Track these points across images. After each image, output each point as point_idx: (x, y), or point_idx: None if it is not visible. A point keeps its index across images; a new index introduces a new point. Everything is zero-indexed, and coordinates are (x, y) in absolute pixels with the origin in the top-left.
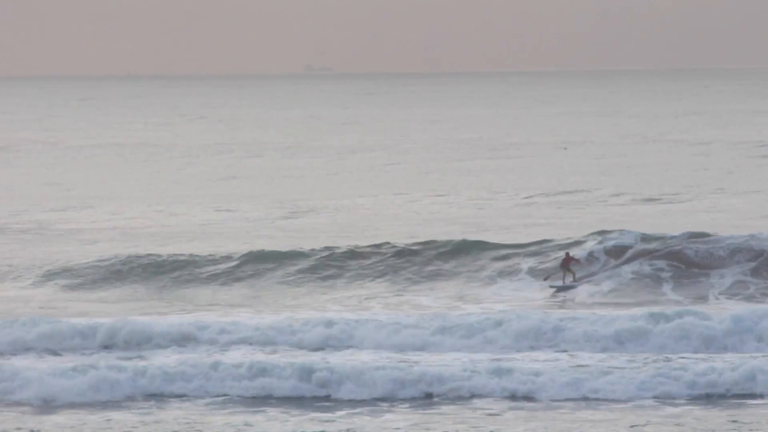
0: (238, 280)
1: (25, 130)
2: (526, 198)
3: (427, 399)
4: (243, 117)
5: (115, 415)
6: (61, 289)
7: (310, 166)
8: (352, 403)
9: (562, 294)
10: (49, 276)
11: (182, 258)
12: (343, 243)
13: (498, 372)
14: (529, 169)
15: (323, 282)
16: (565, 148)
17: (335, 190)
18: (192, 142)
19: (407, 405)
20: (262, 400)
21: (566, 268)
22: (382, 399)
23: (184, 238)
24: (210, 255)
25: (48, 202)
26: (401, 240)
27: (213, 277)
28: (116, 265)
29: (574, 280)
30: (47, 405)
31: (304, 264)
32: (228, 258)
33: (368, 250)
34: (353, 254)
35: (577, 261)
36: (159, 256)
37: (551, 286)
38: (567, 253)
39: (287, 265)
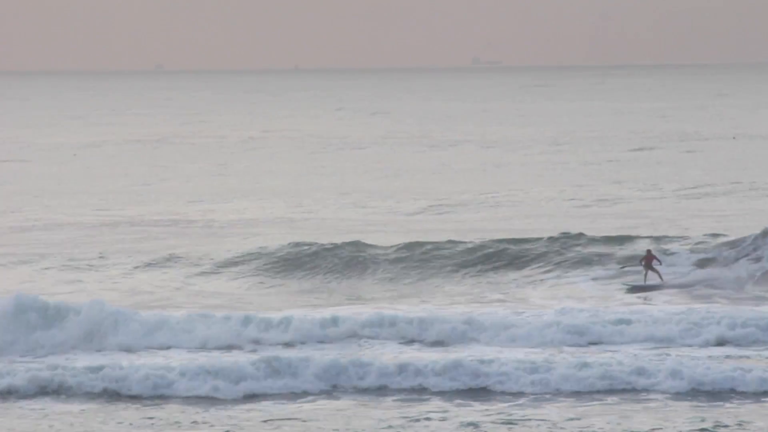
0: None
1: (193, 123)
2: (692, 189)
3: None
4: (411, 110)
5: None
6: (240, 281)
7: (480, 159)
8: None
9: (641, 293)
10: (223, 267)
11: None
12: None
13: None
14: (707, 159)
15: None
16: (734, 138)
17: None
18: (364, 134)
19: None
20: None
21: (649, 267)
22: None
23: (354, 230)
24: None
25: (227, 194)
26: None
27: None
28: (303, 256)
29: (662, 280)
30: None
31: (475, 255)
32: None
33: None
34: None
35: (659, 261)
36: (332, 245)
37: (625, 284)
38: (648, 251)
39: (456, 256)
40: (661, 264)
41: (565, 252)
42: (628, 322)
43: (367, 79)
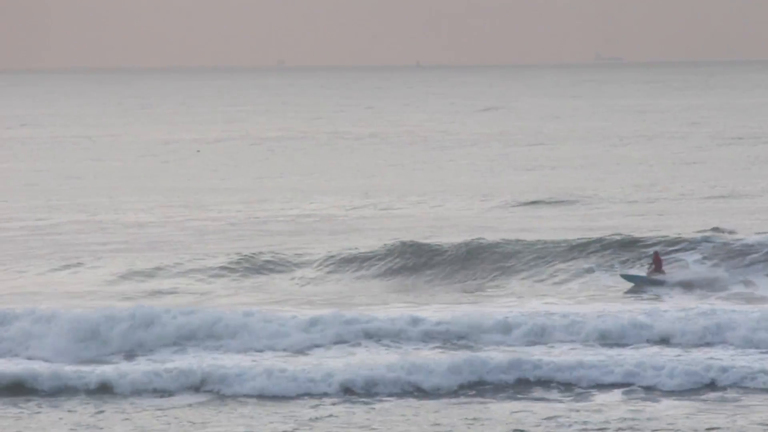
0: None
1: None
2: None
3: None
4: (525, 107)
5: None
6: (343, 279)
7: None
8: None
9: (646, 288)
10: (332, 265)
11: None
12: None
13: None
14: None
15: None
16: None
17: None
18: (475, 131)
19: None
20: None
21: (658, 264)
22: None
23: (457, 230)
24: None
25: (347, 191)
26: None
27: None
28: (404, 255)
29: (656, 275)
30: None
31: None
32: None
33: None
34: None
35: (661, 262)
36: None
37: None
38: (656, 252)
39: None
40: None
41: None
42: None
43: (485, 75)
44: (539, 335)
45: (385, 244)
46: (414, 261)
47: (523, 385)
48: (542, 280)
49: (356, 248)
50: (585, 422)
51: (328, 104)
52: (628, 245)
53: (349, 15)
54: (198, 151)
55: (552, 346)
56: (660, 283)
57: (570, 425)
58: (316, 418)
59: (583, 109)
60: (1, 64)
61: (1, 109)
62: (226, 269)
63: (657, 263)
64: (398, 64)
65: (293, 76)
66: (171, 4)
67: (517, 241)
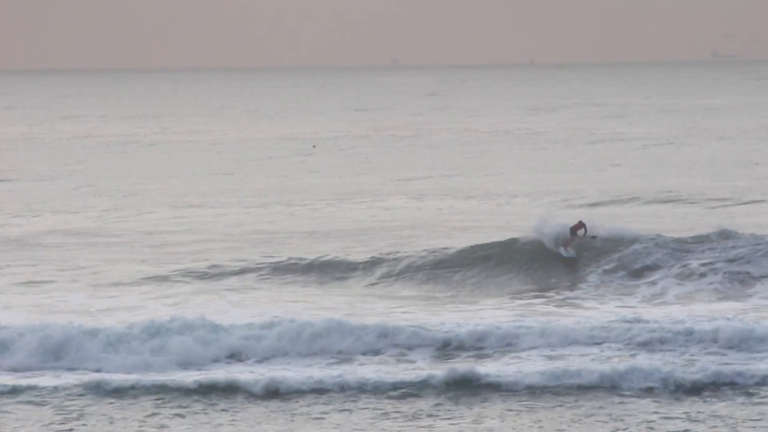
0: None
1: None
2: None
3: None
4: (633, 105)
5: None
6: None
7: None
8: None
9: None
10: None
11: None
12: None
13: None
14: None
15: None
16: None
17: None
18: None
19: None
20: None
21: (574, 234)
22: None
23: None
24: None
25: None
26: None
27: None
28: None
29: (567, 244)
30: None
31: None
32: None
33: None
34: None
35: (585, 231)
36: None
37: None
38: (580, 221)
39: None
40: (585, 234)
41: None
42: None
43: (597, 73)
44: None
45: None
46: None
47: None
48: None
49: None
50: None
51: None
52: None
53: (463, 13)
54: (314, 146)
55: None
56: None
57: None
58: None
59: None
60: (110, 63)
61: (131, 107)
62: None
63: (575, 229)
64: (511, 62)
65: (407, 74)
66: (287, 4)
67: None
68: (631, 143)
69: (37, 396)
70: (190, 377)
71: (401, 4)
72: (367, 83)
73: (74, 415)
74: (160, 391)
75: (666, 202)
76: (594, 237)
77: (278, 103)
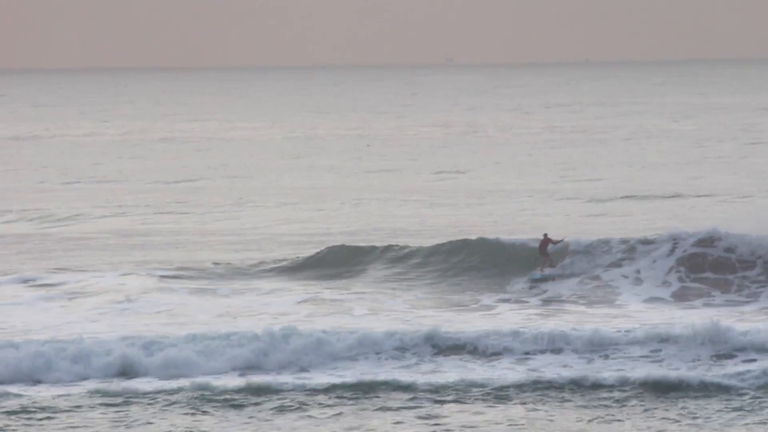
0: None
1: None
2: None
3: None
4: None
5: None
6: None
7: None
8: None
9: (539, 287)
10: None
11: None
12: None
13: None
14: None
15: None
16: None
17: None
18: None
19: None
20: None
21: (543, 253)
22: None
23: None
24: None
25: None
26: None
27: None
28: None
29: (549, 265)
30: None
31: None
32: None
33: None
34: None
35: (554, 242)
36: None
37: (531, 279)
38: (545, 235)
39: None
40: (559, 242)
41: None
42: None
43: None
44: None
45: None
46: None
47: None
48: None
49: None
50: None
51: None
52: None
53: (517, 11)
54: (368, 145)
55: None
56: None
57: None
58: None
59: None
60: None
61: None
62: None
63: (544, 246)
64: (567, 60)
65: (462, 73)
66: (342, 3)
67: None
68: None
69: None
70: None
71: (456, 3)
72: (419, 81)
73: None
74: None
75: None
76: (561, 240)
77: (338, 101)
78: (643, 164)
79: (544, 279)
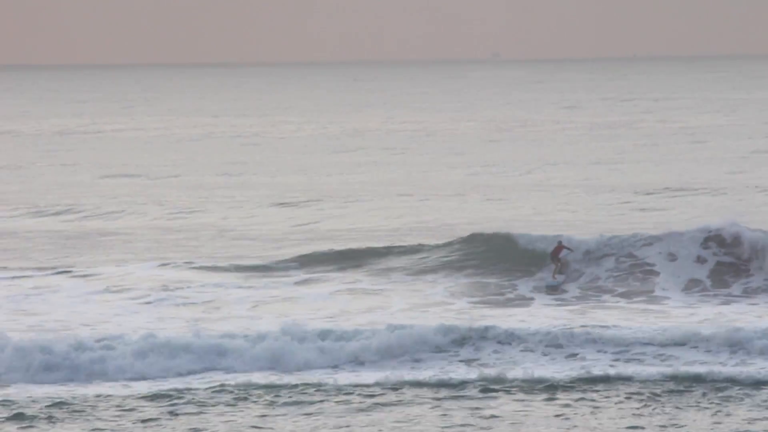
0: None
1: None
2: None
3: None
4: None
5: None
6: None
7: None
8: None
9: (551, 293)
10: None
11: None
12: None
13: None
14: None
15: None
16: None
17: None
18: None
19: None
20: None
21: (556, 259)
22: None
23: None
24: None
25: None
26: None
27: None
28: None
29: (560, 272)
30: None
31: None
32: None
33: None
34: None
35: (570, 250)
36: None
37: (547, 286)
38: (559, 242)
39: None
40: (572, 251)
41: None
42: None
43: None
44: None
45: None
46: None
47: None
48: None
49: None
50: None
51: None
52: None
53: (565, 5)
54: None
55: None
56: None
57: None
58: None
59: None
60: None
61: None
62: None
63: (556, 253)
64: (615, 55)
65: (509, 68)
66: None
67: None
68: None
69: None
70: None
71: None
72: (461, 77)
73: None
74: None
75: None
76: (571, 251)
77: (384, 97)
78: (694, 159)
79: (555, 286)
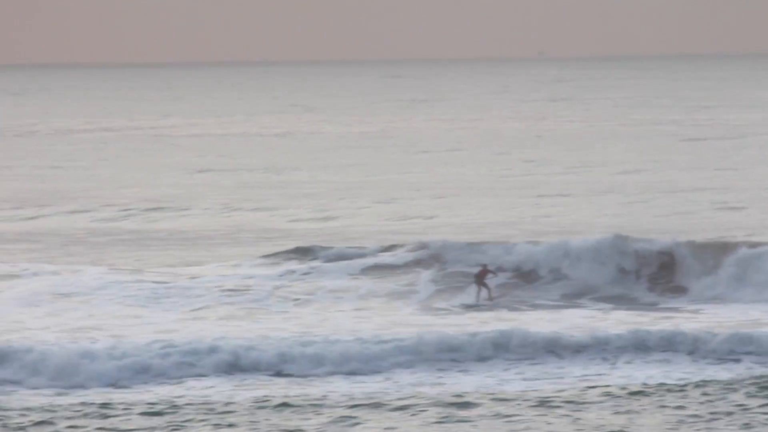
0: None
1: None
2: None
3: None
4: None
5: None
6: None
7: None
8: None
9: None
10: None
11: None
12: None
13: None
14: None
15: None
16: None
17: None
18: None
19: None
20: None
21: (481, 283)
22: None
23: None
24: None
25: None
26: None
27: None
28: None
29: (490, 298)
30: None
31: None
32: None
33: None
34: None
35: (494, 274)
36: None
37: (463, 304)
38: (484, 265)
39: None
40: (496, 276)
41: None
42: None
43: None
44: None
45: None
46: None
47: None
48: None
49: None
50: None
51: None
52: None
53: (613, 2)
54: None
55: None
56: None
57: None
58: None
59: None
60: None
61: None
62: None
63: (482, 276)
64: (664, 53)
65: (555, 66)
66: None
67: None
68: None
69: None
70: None
71: None
72: (510, 74)
73: None
74: None
75: None
76: (495, 275)
77: (434, 94)
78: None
79: (476, 306)
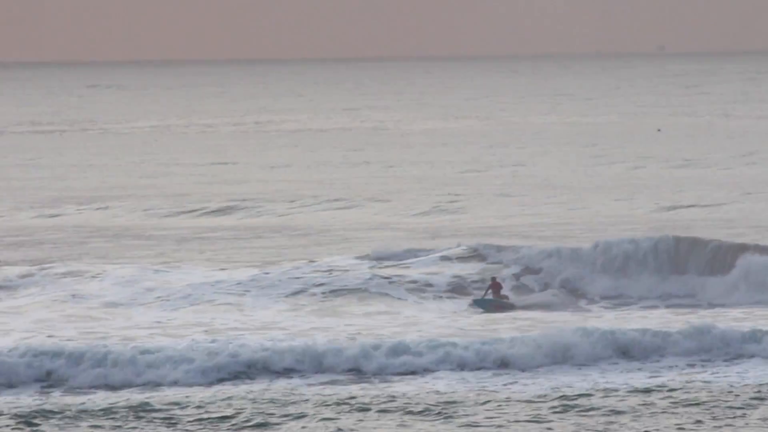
0: None
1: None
2: None
3: None
4: None
5: None
6: None
7: None
8: None
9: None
10: None
11: None
12: None
13: None
14: None
15: None
16: None
17: None
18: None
19: None
20: None
21: (496, 293)
22: None
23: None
24: None
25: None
26: None
27: None
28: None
29: (506, 305)
30: None
31: None
32: None
33: None
34: None
35: (501, 287)
36: None
37: (474, 303)
38: (493, 278)
39: None
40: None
41: None
42: None
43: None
44: None
45: None
46: None
47: None
48: None
49: None
50: None
51: None
52: None
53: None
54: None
55: None
56: (510, 307)
57: None
58: None
59: None
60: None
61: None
62: None
63: (495, 288)
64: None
65: (674, 62)
66: None
67: None
68: None
69: None
70: None
71: None
72: (627, 71)
73: None
74: None
75: None
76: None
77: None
78: None
79: (484, 304)
